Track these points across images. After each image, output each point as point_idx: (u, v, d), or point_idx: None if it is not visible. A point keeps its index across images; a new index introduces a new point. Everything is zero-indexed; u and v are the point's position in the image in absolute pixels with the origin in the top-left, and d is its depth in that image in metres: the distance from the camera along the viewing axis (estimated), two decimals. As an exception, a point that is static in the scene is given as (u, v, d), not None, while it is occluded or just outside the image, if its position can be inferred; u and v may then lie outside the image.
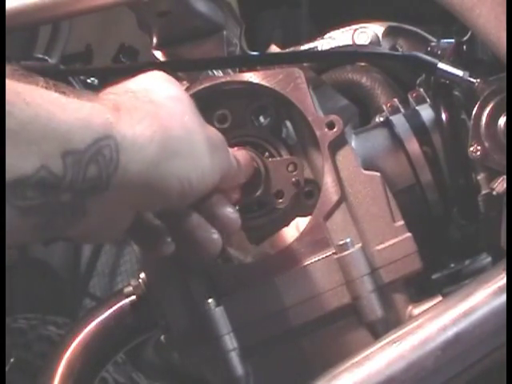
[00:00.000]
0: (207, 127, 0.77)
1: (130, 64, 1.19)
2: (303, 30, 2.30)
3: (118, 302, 0.94)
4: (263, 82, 0.88)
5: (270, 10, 2.48)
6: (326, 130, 0.87)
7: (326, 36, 1.11)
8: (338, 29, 1.15)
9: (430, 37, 1.09)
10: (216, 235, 0.78)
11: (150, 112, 0.69)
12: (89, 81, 1.22)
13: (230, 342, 0.85)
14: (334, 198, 0.86)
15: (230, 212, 0.80)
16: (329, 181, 0.86)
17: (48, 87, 0.63)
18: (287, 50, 1.09)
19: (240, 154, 0.86)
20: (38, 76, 0.64)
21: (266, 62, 0.96)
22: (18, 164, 0.58)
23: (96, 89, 1.25)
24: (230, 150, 0.83)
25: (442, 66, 0.90)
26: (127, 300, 0.93)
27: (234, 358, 0.85)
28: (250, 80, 0.89)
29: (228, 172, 0.79)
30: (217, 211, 0.79)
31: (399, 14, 1.16)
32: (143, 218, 0.74)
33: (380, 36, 1.11)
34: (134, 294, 0.92)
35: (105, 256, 2.22)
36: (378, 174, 0.87)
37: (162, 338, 0.90)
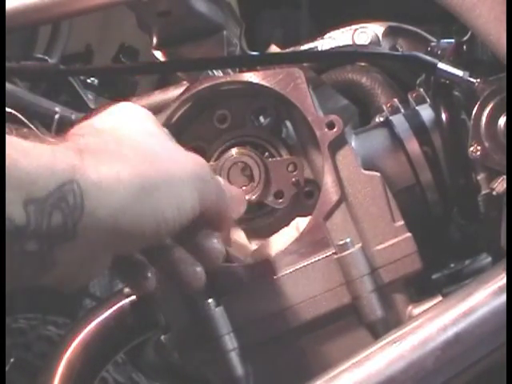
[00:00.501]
0: (186, 156, 0.73)
1: (130, 64, 1.19)
2: (303, 30, 2.30)
3: (118, 302, 0.94)
4: (263, 82, 0.88)
5: (270, 10, 2.47)
6: (326, 129, 0.87)
7: (326, 36, 1.11)
8: (338, 29, 1.15)
9: (429, 37, 1.09)
10: (199, 268, 0.75)
11: (115, 152, 0.66)
12: (89, 81, 1.22)
13: (230, 341, 0.85)
14: (334, 197, 0.86)
15: (214, 243, 0.77)
16: (329, 181, 0.86)
17: (9, 132, 0.61)
18: (287, 50, 1.09)
19: (234, 190, 0.83)
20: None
21: (266, 62, 0.96)
22: None
23: (96, 89, 1.26)
24: (224, 182, 0.80)
25: (441, 66, 0.90)
26: (127, 300, 0.93)
27: (234, 358, 0.85)
28: (250, 80, 0.89)
29: (214, 202, 0.74)
30: (200, 243, 0.76)
31: (399, 14, 1.16)
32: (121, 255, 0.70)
33: (380, 36, 1.11)
34: (134, 294, 0.92)
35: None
36: (378, 174, 0.87)
37: (162, 338, 0.90)
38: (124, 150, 0.67)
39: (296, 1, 2.40)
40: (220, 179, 0.80)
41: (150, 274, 0.75)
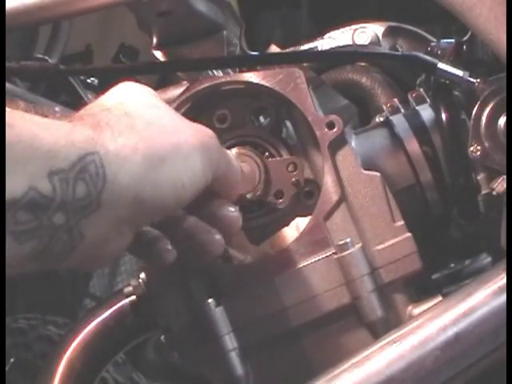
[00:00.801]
0: (192, 126, 0.76)
1: (130, 64, 1.19)
2: (303, 30, 2.30)
3: (118, 302, 0.94)
4: (263, 82, 0.88)
5: (270, 10, 2.47)
6: (326, 129, 0.87)
7: (325, 36, 1.11)
8: (338, 29, 1.14)
9: (430, 37, 1.09)
10: (218, 235, 0.77)
11: (128, 124, 0.69)
12: (89, 81, 1.21)
13: (230, 342, 0.85)
14: (334, 197, 0.86)
15: (230, 211, 0.79)
16: (329, 181, 0.86)
17: (28, 109, 0.64)
18: (287, 50, 1.09)
19: (244, 166, 0.86)
20: (17, 99, 0.64)
21: (266, 62, 0.96)
22: (6, 187, 0.58)
23: (96, 89, 1.26)
24: (237, 158, 0.83)
25: (442, 66, 0.90)
26: (127, 300, 0.93)
27: (234, 358, 0.85)
28: (250, 80, 0.89)
29: (224, 171, 0.78)
30: (217, 212, 0.78)
31: (399, 14, 1.16)
32: (140, 231, 0.72)
33: (380, 36, 1.10)
34: (133, 294, 0.92)
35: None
36: (378, 174, 0.87)
37: (162, 337, 0.90)
38: (136, 123, 0.69)
39: (296, 1, 2.40)
40: (229, 152, 0.82)
41: (169, 247, 0.75)
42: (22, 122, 0.60)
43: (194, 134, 0.74)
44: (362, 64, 1.11)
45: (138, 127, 0.69)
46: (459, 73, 0.89)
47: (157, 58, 0.96)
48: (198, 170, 0.72)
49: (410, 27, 1.11)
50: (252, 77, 0.89)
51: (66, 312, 1.79)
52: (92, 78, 1.21)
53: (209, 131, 0.77)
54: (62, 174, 0.61)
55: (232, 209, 0.79)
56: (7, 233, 0.59)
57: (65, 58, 1.45)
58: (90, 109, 0.71)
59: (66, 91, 1.17)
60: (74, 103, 1.16)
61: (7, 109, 0.60)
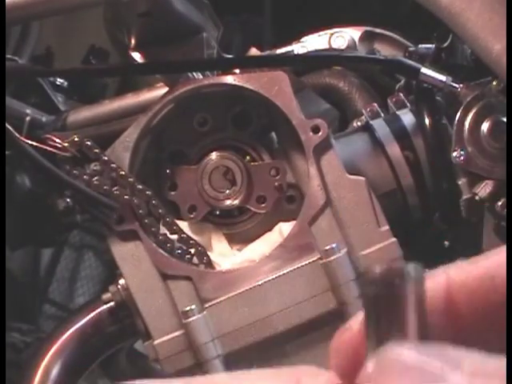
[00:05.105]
0: None
1: (104, 66, 1.16)
2: (266, 36, 2.28)
3: (96, 309, 0.91)
4: (247, 85, 0.87)
5: (230, 14, 2.45)
6: (311, 134, 0.86)
7: (302, 39, 1.10)
8: (312, 33, 1.13)
9: (406, 42, 1.09)
10: None
11: None
12: (58, 83, 1.19)
13: (214, 349, 0.83)
14: (320, 202, 0.85)
15: None
16: (314, 185, 0.85)
17: None
18: (271, 53, 1.08)
19: None
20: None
21: (249, 64, 0.94)
22: None
23: (66, 91, 1.23)
24: None
25: (425, 70, 0.89)
26: (105, 307, 0.91)
27: (218, 365, 0.83)
28: (234, 83, 0.88)
29: None
30: None
31: (374, 19, 1.16)
32: None
33: (356, 41, 1.10)
34: (112, 301, 0.90)
35: (64, 261, 2.18)
36: (363, 178, 0.86)
37: (143, 344, 0.88)
38: None
39: (258, 5, 2.38)
40: None
41: None
42: None
43: None
44: (339, 68, 1.10)
45: None
46: (442, 78, 0.89)
47: (134, 60, 0.94)
48: None
49: (387, 32, 1.10)
50: (236, 80, 0.88)
51: (26, 318, 1.75)
52: (61, 80, 1.19)
53: None
54: None
55: None
56: None
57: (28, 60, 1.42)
58: None
59: (35, 93, 1.15)
60: (43, 105, 1.13)
61: None
